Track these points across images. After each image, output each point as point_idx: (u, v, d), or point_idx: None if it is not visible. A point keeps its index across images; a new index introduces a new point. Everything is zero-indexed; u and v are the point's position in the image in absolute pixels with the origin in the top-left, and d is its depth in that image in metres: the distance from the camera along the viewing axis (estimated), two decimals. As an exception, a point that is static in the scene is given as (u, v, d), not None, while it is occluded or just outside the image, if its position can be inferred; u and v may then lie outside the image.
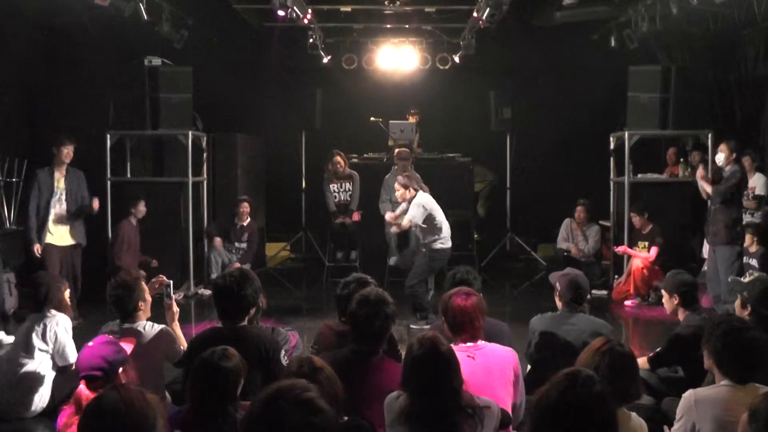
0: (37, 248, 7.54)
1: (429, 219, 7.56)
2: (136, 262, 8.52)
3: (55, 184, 7.66)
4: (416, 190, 7.69)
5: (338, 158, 9.86)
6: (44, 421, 4.82)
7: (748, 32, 9.49)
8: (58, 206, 7.68)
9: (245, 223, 9.65)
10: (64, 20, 8.65)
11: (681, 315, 4.82)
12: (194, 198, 9.49)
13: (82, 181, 7.89)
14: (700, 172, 7.92)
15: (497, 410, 3.21)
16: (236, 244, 9.67)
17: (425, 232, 7.61)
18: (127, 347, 4.05)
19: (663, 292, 4.92)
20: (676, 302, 4.80)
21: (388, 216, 8.26)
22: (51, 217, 7.62)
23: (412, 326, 7.38)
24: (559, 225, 9.74)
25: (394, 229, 8.23)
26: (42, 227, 7.59)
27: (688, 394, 3.31)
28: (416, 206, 7.53)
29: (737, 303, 4.74)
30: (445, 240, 7.62)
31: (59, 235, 7.70)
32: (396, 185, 7.85)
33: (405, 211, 7.78)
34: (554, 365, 2.66)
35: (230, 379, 3.18)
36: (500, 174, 12.13)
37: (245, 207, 9.64)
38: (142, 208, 8.87)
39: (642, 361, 4.63)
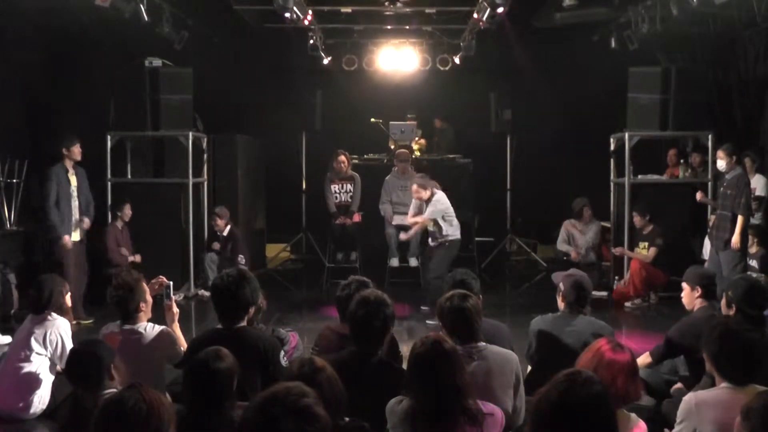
0: (67, 239, 7.64)
1: (448, 214, 8.21)
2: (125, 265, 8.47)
3: (71, 182, 7.82)
4: (433, 189, 8.25)
5: (342, 157, 9.85)
6: (45, 421, 4.82)
7: (748, 33, 9.50)
8: (74, 204, 7.83)
9: (225, 233, 9.51)
10: (64, 21, 8.66)
11: (697, 307, 4.81)
12: (194, 199, 9.49)
13: (85, 179, 8.04)
14: (699, 195, 8.35)
15: (501, 418, 3.21)
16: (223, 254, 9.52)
17: (446, 226, 8.17)
18: (113, 344, 4.06)
19: (684, 285, 4.89)
20: (697, 294, 4.81)
21: (410, 219, 8.51)
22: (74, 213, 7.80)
23: (429, 322, 7.67)
24: (560, 226, 9.74)
25: (412, 232, 8.54)
26: (68, 222, 7.69)
27: (689, 398, 3.30)
28: (439, 203, 8.17)
29: (723, 303, 4.73)
30: (458, 231, 8.29)
31: (73, 231, 7.87)
32: (414, 187, 8.32)
33: (418, 212, 8.40)
34: (555, 367, 2.66)
35: (224, 379, 3.17)
36: (500, 175, 12.14)
37: (219, 223, 9.47)
38: (128, 211, 8.80)
39: (641, 360, 4.63)
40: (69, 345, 4.92)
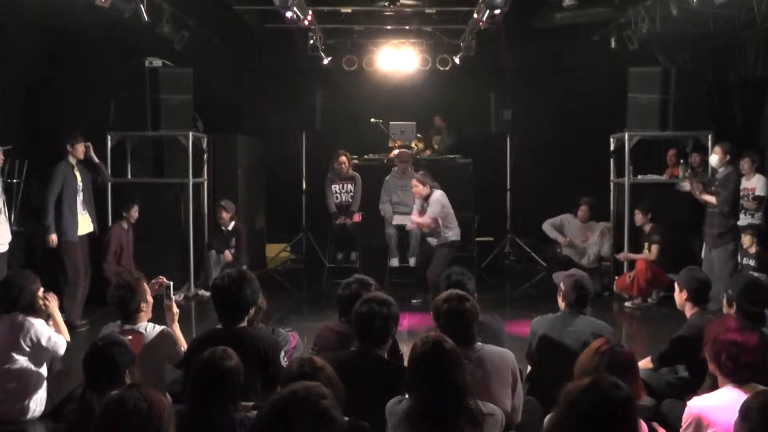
0: (53, 239, 7.65)
1: (448, 214, 8.36)
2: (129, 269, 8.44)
3: (77, 178, 7.86)
4: (432, 188, 8.42)
5: (343, 158, 9.84)
6: (45, 422, 4.78)
7: (748, 33, 9.49)
8: (79, 199, 7.87)
9: (230, 228, 9.40)
10: (64, 21, 8.65)
11: (688, 312, 4.79)
12: (195, 199, 9.49)
13: (89, 176, 8.11)
14: (694, 188, 8.19)
15: (501, 418, 3.20)
16: (226, 252, 9.36)
17: (444, 226, 8.34)
18: (134, 347, 4.02)
19: (676, 284, 4.89)
20: (684, 297, 4.80)
21: (415, 219, 8.58)
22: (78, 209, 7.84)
23: (413, 300, 8.44)
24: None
25: (413, 225, 8.71)
26: (73, 220, 7.74)
27: (693, 404, 3.25)
28: (437, 203, 8.33)
29: (724, 302, 4.72)
30: (459, 232, 8.48)
31: (81, 225, 7.91)
32: (414, 182, 8.56)
33: (423, 210, 8.52)
34: (555, 367, 2.66)
35: (232, 378, 3.17)
36: (500, 175, 12.14)
37: (224, 214, 9.34)
38: (135, 213, 8.79)
39: (644, 362, 4.62)
40: (48, 343, 4.67)
